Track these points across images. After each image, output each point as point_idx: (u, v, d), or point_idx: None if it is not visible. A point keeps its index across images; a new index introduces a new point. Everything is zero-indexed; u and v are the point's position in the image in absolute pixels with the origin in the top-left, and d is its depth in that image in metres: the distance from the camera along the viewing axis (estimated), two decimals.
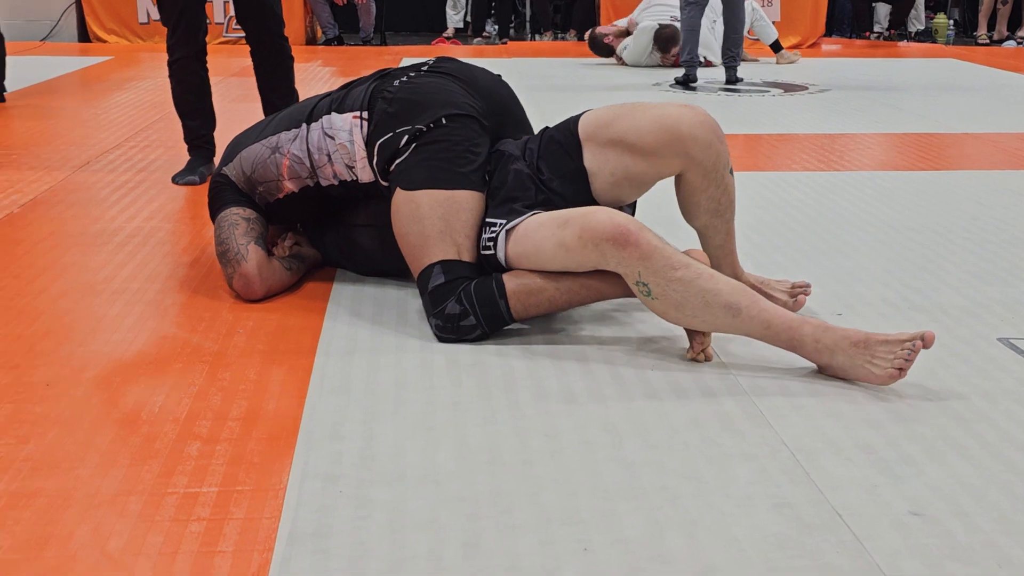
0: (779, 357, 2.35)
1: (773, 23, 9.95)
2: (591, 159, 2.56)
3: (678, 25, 8.01)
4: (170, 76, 4.15)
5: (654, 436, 2.00)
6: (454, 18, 11.03)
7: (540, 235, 2.44)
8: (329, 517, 1.72)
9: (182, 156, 4.31)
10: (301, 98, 4.09)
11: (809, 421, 2.06)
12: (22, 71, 7.49)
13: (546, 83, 7.25)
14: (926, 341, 2.17)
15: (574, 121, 2.62)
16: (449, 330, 2.46)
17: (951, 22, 10.71)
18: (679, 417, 2.08)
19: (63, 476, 1.85)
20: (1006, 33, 10.78)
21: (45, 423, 2.05)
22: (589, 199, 2.56)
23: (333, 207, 2.91)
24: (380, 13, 10.07)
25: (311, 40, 10.03)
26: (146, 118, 5.59)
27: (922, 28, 10.94)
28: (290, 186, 2.80)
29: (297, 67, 4.37)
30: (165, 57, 4.15)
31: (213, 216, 2.89)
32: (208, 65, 4.19)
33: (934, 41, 10.57)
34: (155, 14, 9.52)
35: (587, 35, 8.42)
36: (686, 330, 2.37)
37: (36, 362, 2.34)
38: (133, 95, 6.48)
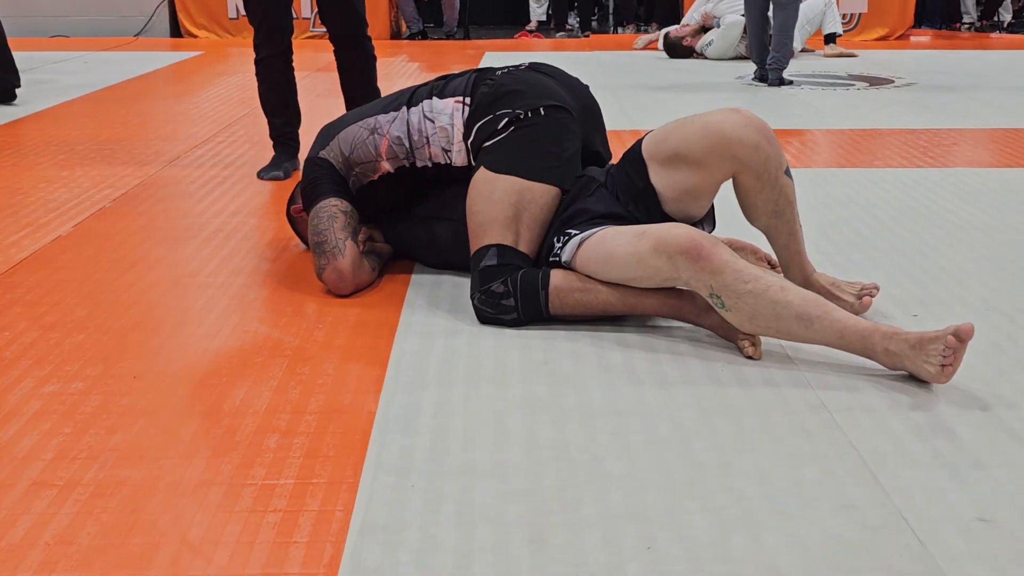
0: (850, 358, 2.35)
1: (860, 15, 9.84)
2: (656, 177, 2.59)
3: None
4: (256, 75, 4.25)
5: (723, 436, 2.01)
6: (537, 11, 11.07)
7: (614, 243, 2.48)
8: (400, 510, 1.76)
9: (267, 152, 4.41)
10: (384, 94, 4.17)
11: (879, 424, 2.06)
12: (116, 66, 7.70)
13: (628, 78, 7.24)
14: (960, 334, 2.16)
15: (639, 143, 2.67)
16: (489, 305, 2.54)
17: None
18: (749, 418, 2.09)
19: (148, 466, 1.92)
20: None
21: (132, 414, 2.13)
22: (663, 217, 2.60)
23: (413, 197, 2.97)
24: (464, 7, 10.14)
25: (395, 34, 10.14)
26: (233, 113, 5.72)
27: (1012, 20, 10.71)
28: (387, 166, 2.86)
29: (381, 62, 4.44)
30: (252, 52, 4.24)
31: (307, 202, 2.92)
32: (294, 62, 4.27)
33: None
34: (244, 10, 9.73)
35: (662, 42, 8.34)
36: (729, 340, 2.40)
37: (125, 355, 2.43)
38: (222, 90, 6.62)
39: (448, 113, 2.81)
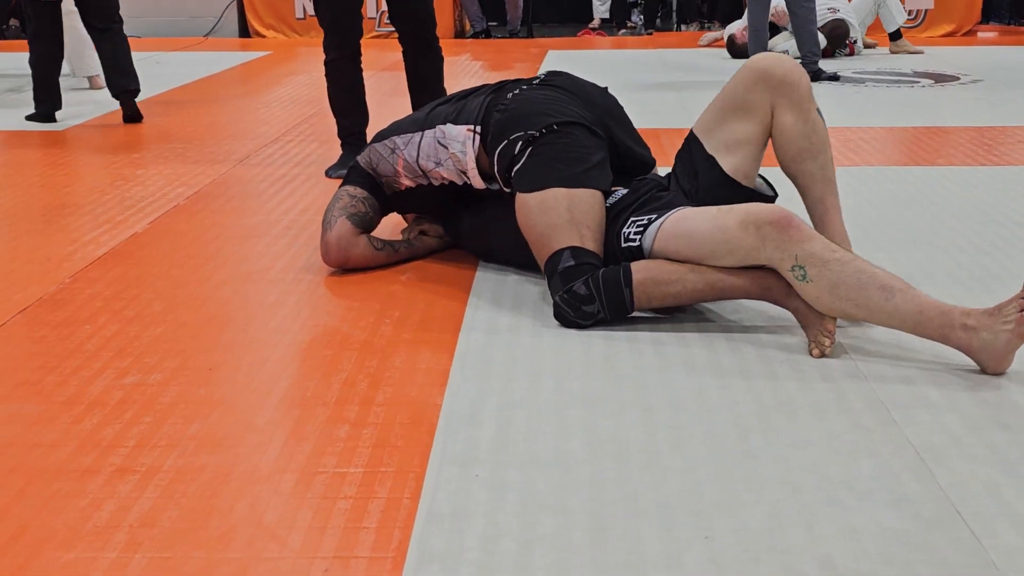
0: (908, 351, 2.38)
1: (927, 11, 9.73)
2: (710, 145, 2.74)
3: (843, 18, 7.93)
4: (326, 75, 4.34)
5: (780, 431, 2.06)
6: (600, 9, 11.08)
7: (696, 220, 2.54)
8: (465, 499, 1.83)
9: (335, 150, 4.50)
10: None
11: (936, 419, 2.09)
12: (186, 67, 7.86)
13: (692, 75, 7.26)
14: None
15: (691, 131, 2.80)
16: (571, 306, 2.57)
17: None
18: (805, 413, 2.13)
19: (224, 454, 2.01)
20: None
21: (209, 405, 2.22)
22: (726, 178, 2.70)
23: (465, 197, 3.06)
24: (527, 6, 10.20)
25: (460, 33, 10.23)
26: (302, 113, 5.83)
27: None
28: (407, 183, 3.05)
29: (446, 61, 4.51)
30: (321, 52, 4.34)
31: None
32: (362, 63, 4.36)
33: None
34: (311, 9, 9.85)
35: (726, 40, 8.30)
36: (805, 328, 2.42)
37: (200, 347, 2.52)
38: (290, 90, 6.74)
39: (460, 141, 2.90)
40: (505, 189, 2.86)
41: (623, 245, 2.66)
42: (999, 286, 2.86)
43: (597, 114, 2.88)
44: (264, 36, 9.97)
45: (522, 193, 2.73)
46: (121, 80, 5.46)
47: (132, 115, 5.49)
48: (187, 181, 4.22)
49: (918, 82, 6.86)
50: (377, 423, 2.13)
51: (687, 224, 2.55)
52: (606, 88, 3.04)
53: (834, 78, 6.81)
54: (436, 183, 3.00)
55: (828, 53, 7.83)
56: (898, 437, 2.02)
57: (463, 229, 3.14)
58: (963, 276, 2.95)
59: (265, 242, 3.38)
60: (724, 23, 9.72)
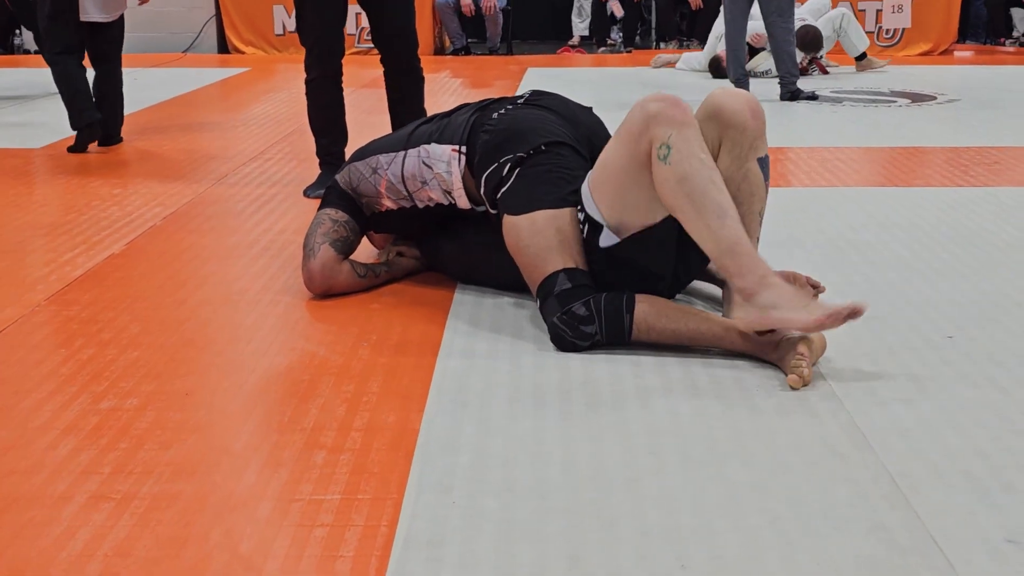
0: (884, 377, 2.39)
1: (904, 29, 9.80)
2: None
3: (814, 24, 7.97)
4: (307, 94, 4.34)
5: (756, 458, 2.06)
6: (579, 26, 11.12)
7: (608, 148, 2.63)
8: (442, 527, 1.83)
9: (313, 169, 4.49)
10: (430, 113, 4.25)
11: (912, 447, 2.10)
12: (165, 84, 7.84)
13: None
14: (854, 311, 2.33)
15: None
16: (570, 327, 2.55)
17: None
18: (782, 439, 2.14)
19: (200, 481, 2.00)
20: None
21: (185, 430, 2.20)
22: None
23: (444, 220, 3.05)
24: (507, 23, 10.23)
25: (439, 50, 10.25)
26: (280, 131, 5.82)
27: None
28: (389, 204, 3.03)
29: (426, 79, 4.51)
30: (299, 68, 4.34)
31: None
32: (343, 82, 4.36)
33: None
34: (291, 26, 9.87)
35: (708, 63, 8.32)
36: (781, 364, 2.43)
37: (177, 372, 2.51)
38: (269, 107, 6.74)
39: (445, 161, 2.90)
40: (491, 211, 2.86)
41: (583, 236, 2.67)
42: (975, 309, 2.87)
43: (582, 133, 2.89)
44: (243, 52, 9.96)
45: (510, 216, 2.72)
46: (109, 126, 5.38)
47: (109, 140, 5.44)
48: (164, 201, 4.20)
49: (895, 101, 6.91)
50: (354, 449, 2.12)
51: (602, 160, 2.64)
52: (590, 108, 3.04)
53: (812, 98, 6.85)
54: (421, 205, 2.98)
55: (804, 69, 7.88)
56: (874, 464, 2.03)
57: (441, 252, 3.13)
58: (938, 300, 2.97)
59: (243, 263, 3.37)
60: (702, 41, 9.77)
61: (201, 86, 7.78)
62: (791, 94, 6.79)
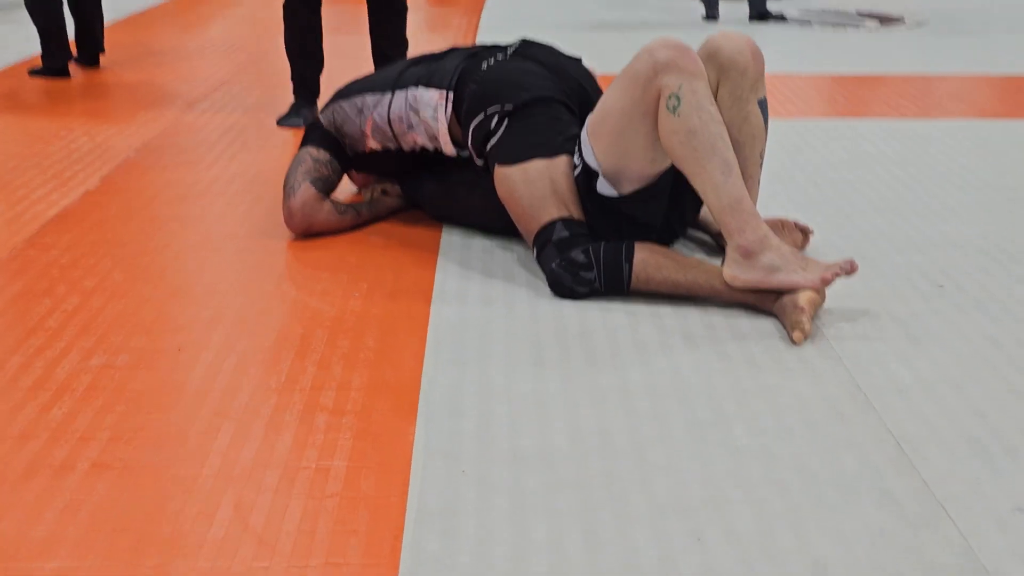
0: (881, 333, 2.40)
1: None
2: None
3: None
4: (284, 17, 4.22)
5: (761, 420, 2.06)
6: None
7: (608, 92, 2.59)
8: (453, 498, 1.82)
9: (285, 93, 4.41)
10: (410, 47, 4.17)
11: (912, 407, 2.12)
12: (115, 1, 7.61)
13: (634, 12, 7.19)
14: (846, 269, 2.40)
15: None
16: (569, 272, 2.54)
17: None
18: (785, 399, 2.14)
19: (204, 449, 1.97)
20: None
21: (181, 391, 2.17)
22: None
23: (429, 163, 3.01)
24: None
25: None
26: (244, 56, 5.69)
27: None
28: (373, 145, 2.98)
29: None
30: None
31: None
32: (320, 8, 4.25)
33: None
34: None
35: None
36: (781, 317, 2.44)
37: (167, 325, 2.47)
38: (228, 28, 6.57)
39: (432, 106, 2.84)
40: (477, 159, 2.81)
41: (575, 176, 2.66)
42: (956, 250, 2.88)
43: (571, 87, 2.84)
44: None
45: (502, 166, 2.69)
46: (92, 45, 5.23)
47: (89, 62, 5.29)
48: (135, 131, 4.10)
49: (863, 24, 6.87)
50: (356, 411, 2.10)
51: (602, 105, 2.60)
52: (579, 59, 2.99)
53: (781, 18, 6.80)
54: (406, 148, 2.94)
55: None
56: (878, 427, 2.04)
57: (425, 193, 3.09)
58: (925, 244, 2.97)
59: (223, 202, 3.30)
60: None
61: (154, 4, 7.54)
62: (760, 15, 6.72)
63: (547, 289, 2.64)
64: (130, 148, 3.86)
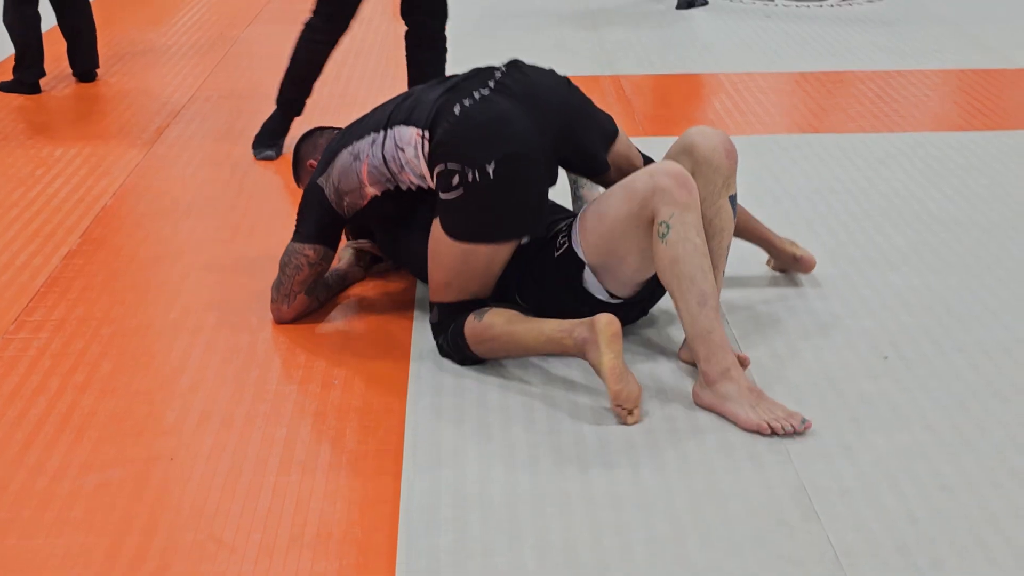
0: (829, 419, 2.57)
1: None
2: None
3: None
4: (300, 38, 4.19)
5: (714, 534, 2.24)
6: None
7: (608, 196, 2.75)
8: None
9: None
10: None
11: (852, 512, 2.30)
12: None
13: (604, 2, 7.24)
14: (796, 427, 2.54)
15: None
16: (442, 352, 2.88)
17: None
18: (736, 508, 2.32)
19: (198, 571, 2.13)
20: None
21: (179, 509, 2.33)
22: None
23: (413, 210, 3.05)
24: None
25: None
26: (209, 59, 5.72)
27: None
28: (372, 191, 2.91)
29: None
30: None
31: (297, 224, 3.04)
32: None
33: None
34: None
35: None
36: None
37: (158, 428, 2.61)
38: (190, 19, 6.56)
39: (413, 145, 2.81)
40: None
41: (556, 255, 2.84)
42: (904, 310, 3.05)
43: (550, 123, 2.81)
44: None
45: (437, 225, 2.79)
46: (86, 61, 5.24)
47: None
48: (108, 167, 4.20)
49: (824, 1, 6.94)
50: (339, 536, 2.26)
51: (599, 208, 2.76)
52: (567, 79, 2.97)
53: (704, 3, 6.75)
54: (403, 187, 2.89)
55: None
56: (820, 538, 2.22)
57: (399, 246, 3.12)
58: (875, 304, 3.14)
59: (200, 263, 3.43)
60: None
61: None
62: (688, 2, 6.71)
63: (518, 377, 2.80)
64: (106, 193, 3.96)
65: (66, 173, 4.15)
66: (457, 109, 2.78)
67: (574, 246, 2.80)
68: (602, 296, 2.82)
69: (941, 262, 3.40)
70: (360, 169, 2.90)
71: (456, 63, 4.02)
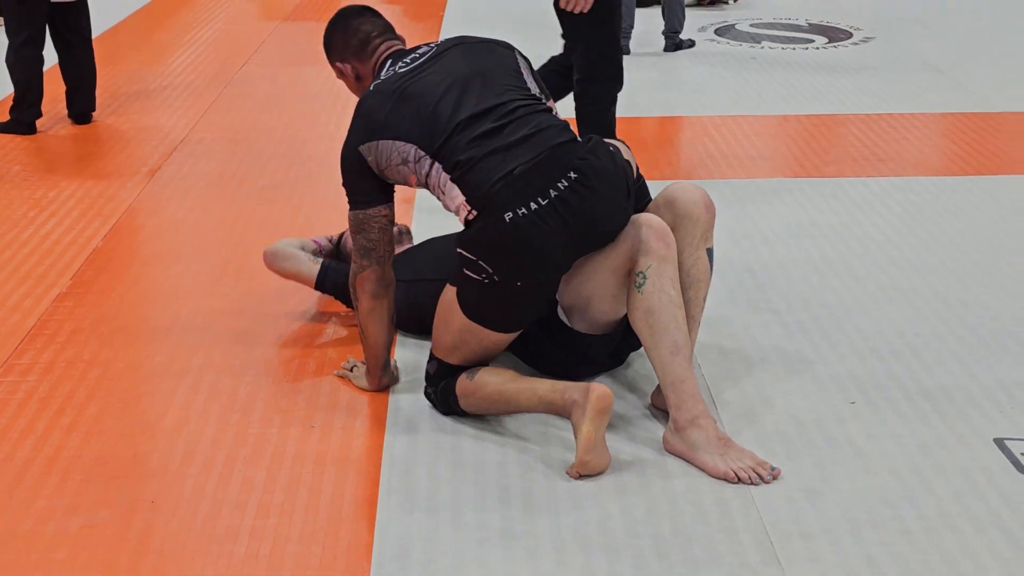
0: (794, 463, 2.64)
1: None
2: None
3: None
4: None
5: None
6: None
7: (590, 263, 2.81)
8: None
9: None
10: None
11: (813, 557, 2.36)
12: None
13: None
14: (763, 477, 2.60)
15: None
16: (431, 401, 2.93)
17: None
18: (699, 552, 2.38)
19: None
20: None
21: (160, 554, 2.39)
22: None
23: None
24: None
25: None
26: (206, 97, 5.82)
27: None
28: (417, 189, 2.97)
29: None
30: None
31: (353, 188, 2.87)
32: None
33: None
34: None
35: None
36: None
37: (141, 470, 2.68)
38: (190, 57, 6.68)
39: (455, 206, 2.75)
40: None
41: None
42: (872, 355, 3.12)
43: (591, 246, 2.78)
44: None
45: (452, 290, 2.80)
46: (84, 104, 5.35)
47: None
48: (100, 209, 4.28)
49: (812, 41, 7.05)
50: (313, 568, 2.33)
51: (582, 268, 2.83)
52: (628, 170, 2.85)
53: (691, 45, 6.87)
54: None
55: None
56: None
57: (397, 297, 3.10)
58: (845, 349, 3.21)
59: (187, 308, 3.50)
60: None
61: (117, 21, 7.57)
62: (675, 45, 6.82)
63: (493, 427, 2.87)
64: (96, 235, 4.04)
65: (59, 214, 4.24)
66: (508, 217, 2.65)
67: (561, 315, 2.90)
68: (578, 328, 2.91)
69: (912, 308, 3.47)
70: (408, 176, 2.82)
71: None
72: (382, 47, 2.98)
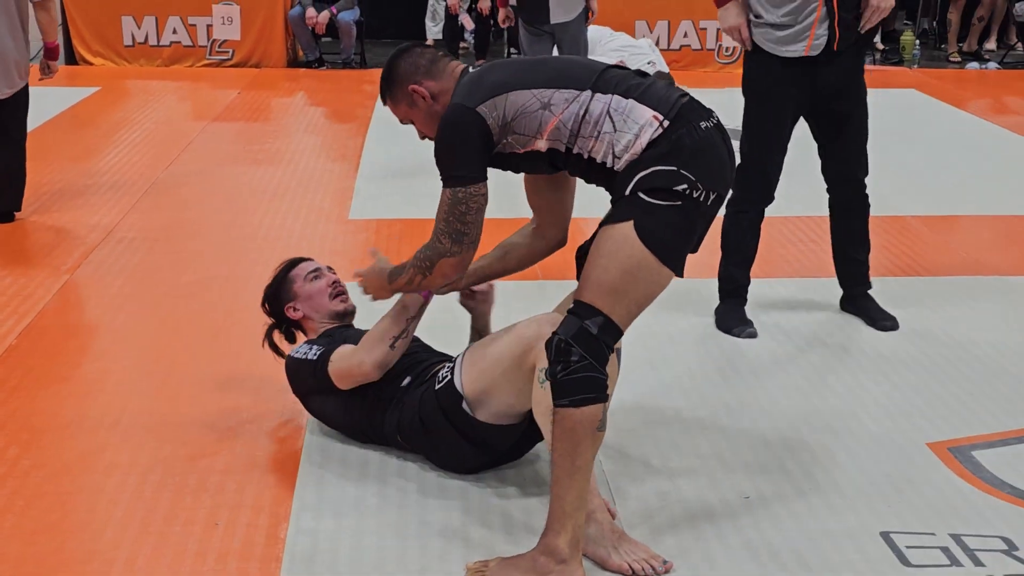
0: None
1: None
2: None
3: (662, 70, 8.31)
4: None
5: None
6: (432, 30, 11.29)
7: (496, 339, 2.92)
8: None
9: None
10: None
11: None
12: None
13: None
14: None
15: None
16: (565, 365, 2.62)
17: (917, 42, 10.87)
18: None
19: None
20: (975, 47, 11.07)
21: None
22: None
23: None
24: (360, 33, 10.24)
25: (293, 61, 10.29)
26: (130, 193, 5.88)
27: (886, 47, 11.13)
28: (541, 145, 2.72)
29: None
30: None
31: (449, 154, 2.74)
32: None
33: (900, 59, 10.76)
34: (140, 36, 9.82)
35: None
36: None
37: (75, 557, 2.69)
38: (119, 155, 6.73)
39: (640, 124, 2.63)
40: (617, 181, 2.67)
41: (436, 388, 3.01)
42: (768, 454, 3.21)
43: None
44: (92, 64, 9.84)
45: (631, 224, 2.61)
46: (8, 203, 5.35)
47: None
48: (16, 308, 4.29)
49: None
50: None
51: (487, 343, 2.96)
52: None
53: None
54: (575, 152, 2.70)
55: None
56: None
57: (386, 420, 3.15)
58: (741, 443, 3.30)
59: (94, 424, 3.52)
60: None
61: (48, 118, 7.61)
62: None
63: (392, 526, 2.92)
64: (11, 333, 4.05)
65: None
66: (704, 125, 2.65)
67: (454, 379, 2.97)
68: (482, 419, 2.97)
69: (809, 405, 3.59)
70: (548, 120, 2.69)
71: None
72: (452, 63, 2.90)
